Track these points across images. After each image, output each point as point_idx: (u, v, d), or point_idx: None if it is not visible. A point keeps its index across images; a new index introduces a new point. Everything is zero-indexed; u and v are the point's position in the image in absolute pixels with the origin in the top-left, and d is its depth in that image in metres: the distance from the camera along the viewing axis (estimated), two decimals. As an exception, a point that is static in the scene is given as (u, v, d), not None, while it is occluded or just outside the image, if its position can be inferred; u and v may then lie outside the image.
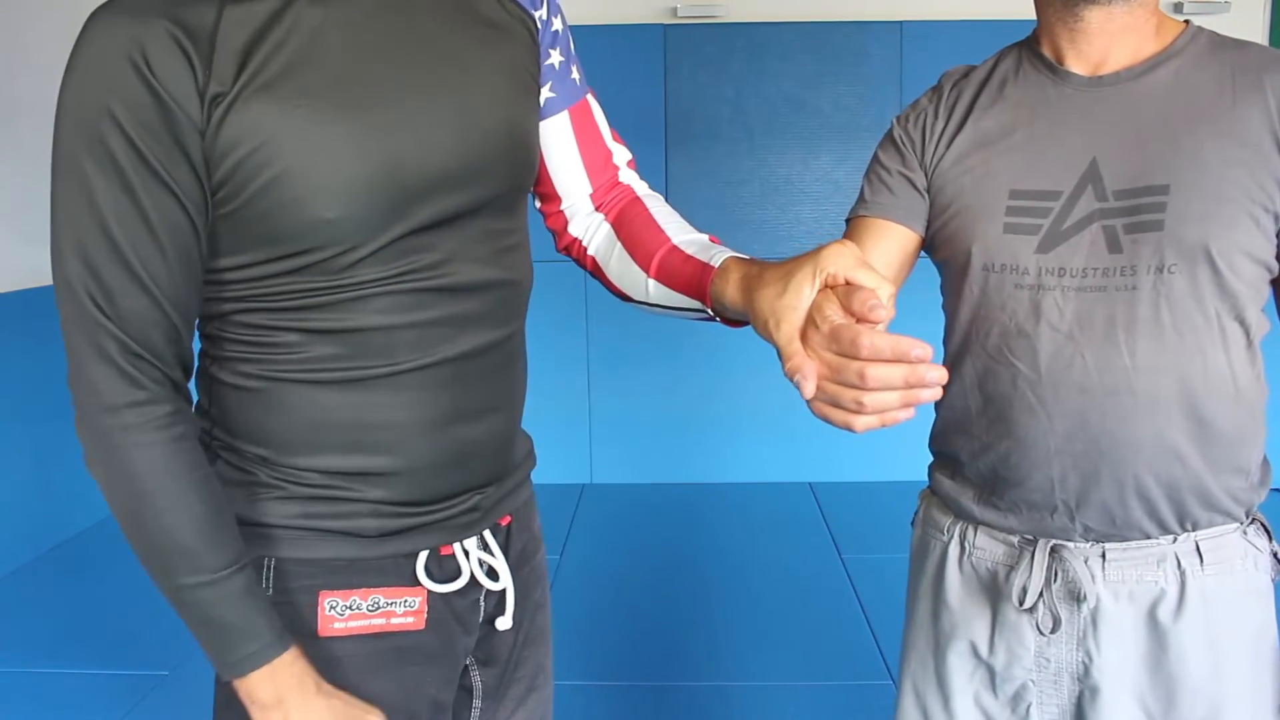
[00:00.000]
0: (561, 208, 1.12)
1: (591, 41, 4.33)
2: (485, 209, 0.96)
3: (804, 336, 0.82)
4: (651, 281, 1.05)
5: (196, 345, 0.94)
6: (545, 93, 1.07)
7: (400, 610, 0.96)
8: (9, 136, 3.40)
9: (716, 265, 0.98)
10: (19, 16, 3.48)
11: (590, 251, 1.11)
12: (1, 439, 3.31)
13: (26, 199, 3.47)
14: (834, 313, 0.80)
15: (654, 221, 1.08)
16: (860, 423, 0.78)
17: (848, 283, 0.82)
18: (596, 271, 1.12)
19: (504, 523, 1.06)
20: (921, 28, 3.99)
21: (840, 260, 0.82)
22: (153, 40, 0.79)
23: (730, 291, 0.94)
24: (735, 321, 0.99)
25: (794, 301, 0.83)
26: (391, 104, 0.88)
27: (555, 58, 1.06)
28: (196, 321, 0.92)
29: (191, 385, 0.98)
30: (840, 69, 4.05)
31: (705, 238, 1.06)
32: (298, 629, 0.92)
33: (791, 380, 0.81)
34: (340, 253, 0.88)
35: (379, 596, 0.95)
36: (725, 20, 4.06)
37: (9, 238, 3.41)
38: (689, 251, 1.03)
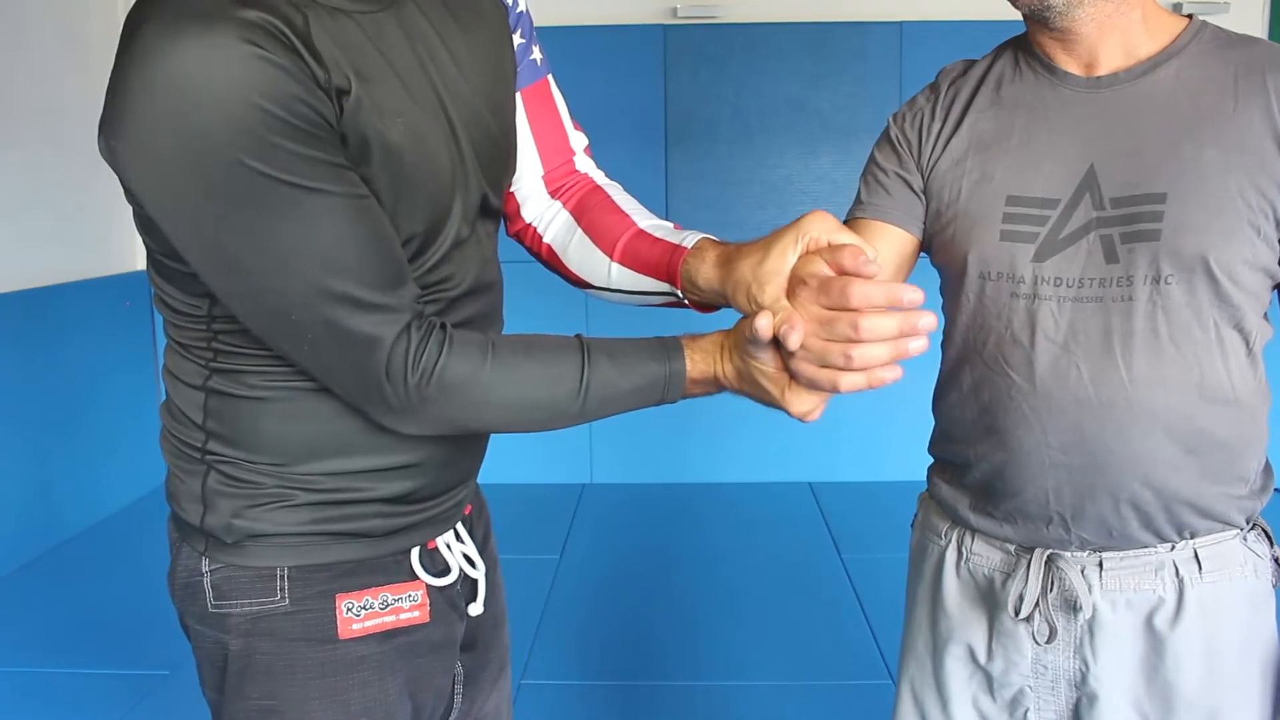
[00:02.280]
0: (512, 189, 1.12)
1: (591, 41, 4.35)
2: (488, 215, 0.99)
3: (790, 297, 0.83)
4: (615, 265, 1.05)
5: (195, 360, 0.94)
6: None
7: (407, 605, 0.98)
8: (9, 137, 3.40)
9: (689, 246, 0.99)
10: (19, 16, 3.48)
11: (547, 239, 1.11)
12: (1, 439, 3.30)
13: (27, 199, 3.47)
14: (821, 268, 0.82)
15: (617, 207, 1.09)
16: (846, 381, 0.79)
17: (830, 246, 0.83)
18: (552, 259, 1.12)
19: (466, 512, 1.08)
20: (921, 28, 3.99)
21: (821, 225, 0.85)
22: (260, 35, 0.74)
23: (706, 269, 0.95)
24: (702, 306, 1.00)
25: (777, 266, 0.85)
26: (440, 114, 0.89)
27: (516, 39, 1.06)
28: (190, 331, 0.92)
29: (171, 391, 0.98)
30: (840, 69, 4.05)
31: (670, 224, 1.06)
32: (318, 634, 0.94)
33: (774, 335, 0.82)
34: (414, 265, 0.89)
35: (387, 594, 0.97)
36: (725, 20, 4.05)
37: (9, 238, 3.41)
38: (656, 235, 1.04)
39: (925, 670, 1.22)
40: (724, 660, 2.67)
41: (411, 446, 0.94)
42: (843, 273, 0.81)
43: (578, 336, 0.91)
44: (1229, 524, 1.08)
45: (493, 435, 1.05)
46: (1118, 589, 1.08)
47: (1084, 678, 1.11)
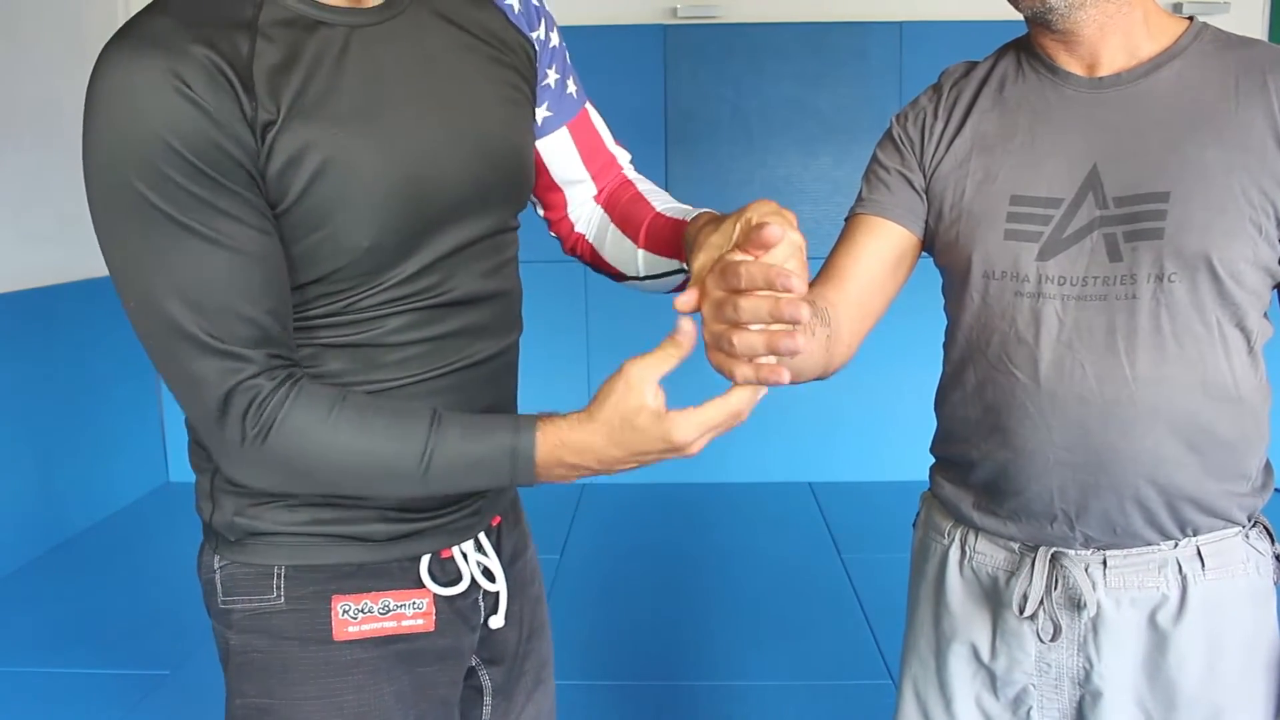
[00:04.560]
0: (567, 213, 1.14)
1: (591, 41, 4.34)
2: (492, 229, 0.99)
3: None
4: (641, 252, 1.07)
5: None
6: (543, 112, 1.08)
7: (410, 612, 0.97)
8: (9, 137, 3.40)
9: (690, 219, 1.00)
10: (18, 17, 3.48)
11: (590, 240, 1.13)
12: (2, 439, 3.30)
13: (26, 199, 3.47)
14: (734, 254, 0.81)
15: (640, 195, 1.11)
16: (739, 372, 0.78)
17: (752, 229, 0.83)
18: (595, 258, 1.13)
19: (495, 524, 1.07)
20: (921, 28, 3.99)
21: (759, 208, 0.85)
22: (191, 69, 0.78)
23: (692, 233, 0.95)
24: None
25: (718, 241, 0.85)
26: (412, 132, 0.89)
27: (551, 76, 1.07)
28: None
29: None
30: (840, 69, 4.05)
31: (688, 207, 1.07)
32: (313, 634, 0.94)
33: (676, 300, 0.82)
34: (370, 280, 0.89)
35: (389, 599, 0.96)
36: (725, 20, 4.06)
37: (10, 238, 3.41)
38: (670, 215, 1.05)
39: (928, 669, 1.22)
40: (724, 660, 2.67)
41: None
42: (754, 248, 0.80)
43: (433, 409, 0.89)
44: (1231, 521, 1.09)
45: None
46: (1122, 586, 1.09)
47: (1088, 675, 1.11)
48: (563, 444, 0.85)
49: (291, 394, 0.84)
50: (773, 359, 0.78)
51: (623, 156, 1.16)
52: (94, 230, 0.82)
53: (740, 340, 0.77)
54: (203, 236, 0.80)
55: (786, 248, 0.80)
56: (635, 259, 1.08)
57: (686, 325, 0.79)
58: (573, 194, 1.13)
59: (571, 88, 1.11)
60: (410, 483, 0.87)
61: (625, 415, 0.82)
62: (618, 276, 1.12)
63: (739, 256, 0.80)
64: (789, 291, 0.75)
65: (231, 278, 0.81)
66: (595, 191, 1.13)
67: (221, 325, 0.82)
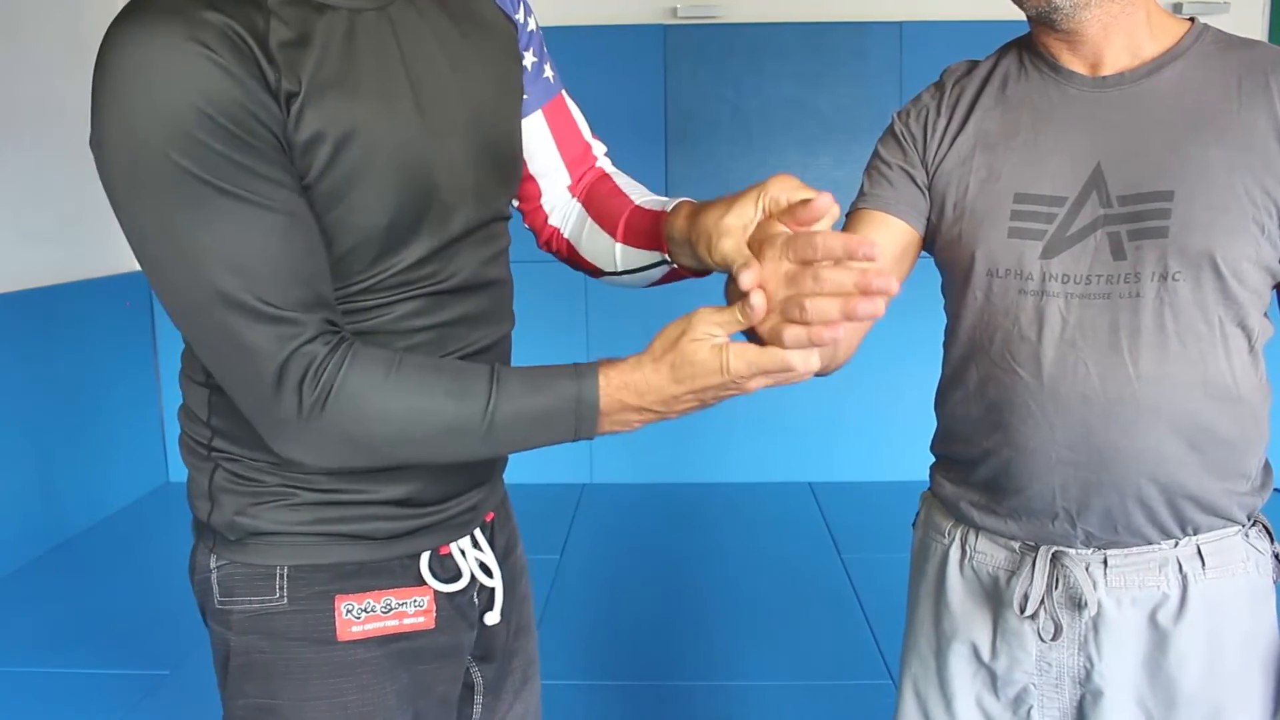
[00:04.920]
0: (541, 203, 1.14)
1: (591, 41, 4.35)
2: (491, 216, 0.99)
3: (759, 259, 0.82)
4: (619, 246, 1.07)
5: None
6: None
7: (411, 610, 0.97)
8: (9, 137, 3.40)
9: (670, 209, 0.99)
10: (18, 16, 3.48)
11: (566, 235, 1.13)
12: (1, 439, 3.30)
13: (26, 199, 3.47)
14: (782, 229, 0.81)
15: (618, 190, 1.11)
16: (789, 334, 0.78)
17: (789, 205, 0.83)
18: (572, 254, 1.13)
19: (488, 520, 1.08)
20: (921, 28, 3.99)
21: (782, 185, 0.84)
22: (213, 36, 0.76)
23: (679, 223, 0.95)
24: (691, 271, 1.00)
25: (737, 221, 0.85)
26: (420, 113, 0.89)
27: (529, 59, 1.08)
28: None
29: (183, 390, 0.98)
30: (840, 69, 4.05)
31: (667, 199, 1.07)
32: (316, 635, 0.94)
33: (738, 278, 0.80)
34: (381, 263, 0.89)
35: (390, 598, 0.96)
36: (725, 20, 4.06)
37: (10, 238, 3.41)
38: (649, 208, 1.05)
39: (929, 669, 1.22)
40: (724, 660, 2.67)
41: None
42: (803, 224, 0.81)
43: (491, 364, 0.88)
44: (1231, 520, 1.09)
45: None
46: (1122, 586, 1.09)
47: (1088, 674, 1.11)
48: (625, 385, 0.84)
49: (347, 358, 0.83)
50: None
51: (598, 148, 1.16)
52: (119, 215, 0.80)
53: (814, 306, 0.77)
54: (246, 201, 0.78)
55: (827, 220, 0.81)
56: (613, 254, 1.07)
57: (758, 300, 0.79)
58: (547, 184, 1.12)
59: (548, 73, 1.11)
60: (473, 442, 0.86)
61: (685, 350, 0.82)
62: (595, 272, 1.12)
63: (782, 228, 0.81)
64: (871, 260, 0.76)
65: (279, 240, 0.80)
66: (570, 182, 1.13)
67: (273, 289, 0.80)
